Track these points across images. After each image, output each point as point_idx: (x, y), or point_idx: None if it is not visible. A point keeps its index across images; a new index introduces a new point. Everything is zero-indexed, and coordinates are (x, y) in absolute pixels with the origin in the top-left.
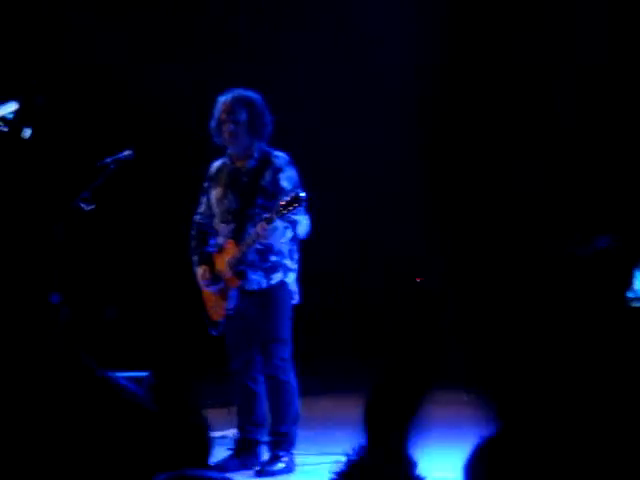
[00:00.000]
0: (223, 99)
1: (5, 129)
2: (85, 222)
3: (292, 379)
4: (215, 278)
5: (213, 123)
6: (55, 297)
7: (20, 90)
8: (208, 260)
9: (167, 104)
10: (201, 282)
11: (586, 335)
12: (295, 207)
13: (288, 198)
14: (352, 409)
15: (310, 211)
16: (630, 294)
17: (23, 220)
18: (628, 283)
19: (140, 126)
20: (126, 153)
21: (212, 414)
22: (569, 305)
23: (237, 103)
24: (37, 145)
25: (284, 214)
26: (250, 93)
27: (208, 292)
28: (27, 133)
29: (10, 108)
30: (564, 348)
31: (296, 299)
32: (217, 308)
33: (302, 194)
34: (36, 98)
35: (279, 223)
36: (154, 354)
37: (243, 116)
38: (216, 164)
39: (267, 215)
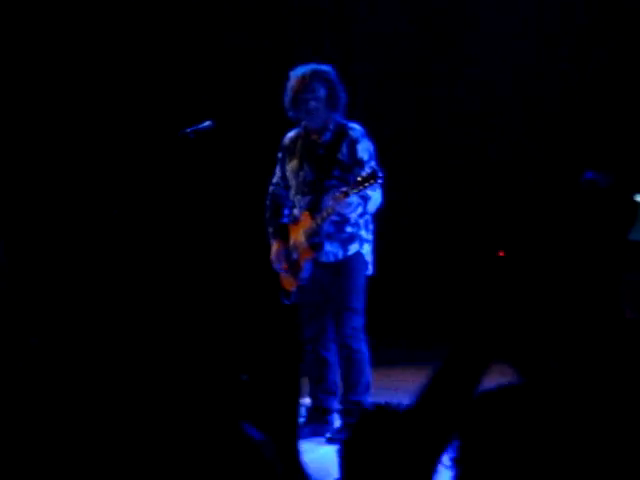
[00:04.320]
0: (299, 74)
1: None
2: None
3: (364, 348)
4: (289, 250)
5: (288, 98)
6: None
7: None
8: (283, 233)
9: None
10: (275, 257)
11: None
12: (371, 184)
13: (365, 174)
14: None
15: (384, 186)
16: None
17: None
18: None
19: (216, 97)
20: (206, 123)
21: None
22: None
23: (315, 78)
24: None
25: (360, 189)
26: (325, 67)
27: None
28: None
29: None
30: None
31: (371, 270)
32: (290, 278)
33: (379, 172)
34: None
35: (354, 197)
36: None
37: (321, 91)
38: (290, 135)
39: (344, 189)
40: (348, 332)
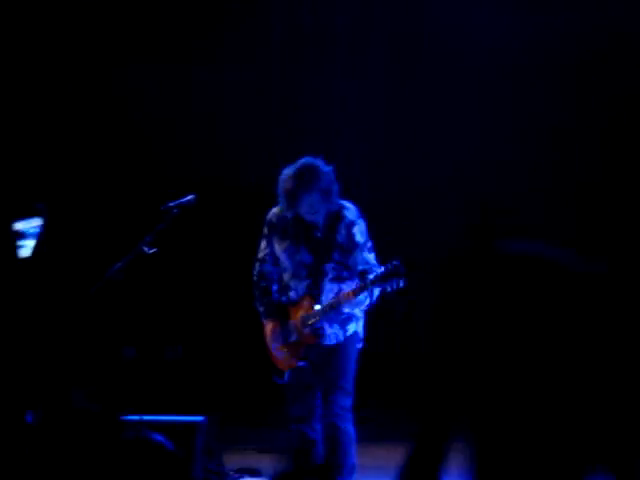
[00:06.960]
0: (297, 170)
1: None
2: (147, 265)
3: (350, 428)
4: (286, 330)
5: (285, 192)
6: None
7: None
8: (277, 313)
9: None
10: (270, 337)
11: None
12: (394, 280)
13: (387, 270)
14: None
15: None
16: None
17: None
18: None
19: (201, 171)
20: (189, 198)
21: (261, 458)
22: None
23: (313, 174)
24: None
25: (377, 285)
26: (320, 162)
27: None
28: None
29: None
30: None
31: (361, 344)
32: (287, 359)
33: (402, 268)
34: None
35: (363, 295)
36: (210, 398)
37: (321, 186)
38: (275, 212)
39: (355, 287)
40: (336, 411)
